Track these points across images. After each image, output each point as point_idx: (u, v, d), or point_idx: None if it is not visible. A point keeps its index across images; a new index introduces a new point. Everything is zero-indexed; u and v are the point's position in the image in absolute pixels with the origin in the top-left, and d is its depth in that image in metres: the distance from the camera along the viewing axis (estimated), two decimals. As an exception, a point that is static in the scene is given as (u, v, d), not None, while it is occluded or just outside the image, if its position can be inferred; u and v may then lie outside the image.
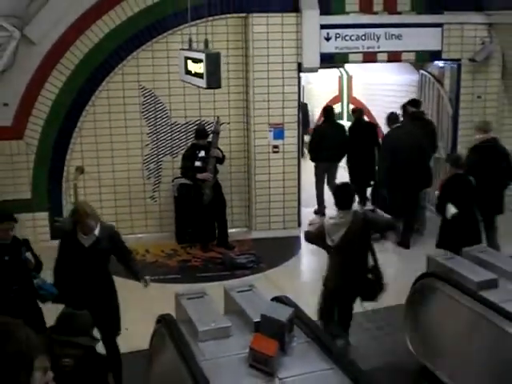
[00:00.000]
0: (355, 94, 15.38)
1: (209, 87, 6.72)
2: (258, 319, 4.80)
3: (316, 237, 6.71)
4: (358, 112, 12.13)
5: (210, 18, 9.91)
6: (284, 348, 4.59)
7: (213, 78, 6.43)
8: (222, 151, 10.03)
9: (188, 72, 7.31)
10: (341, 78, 15.64)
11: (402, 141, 9.77)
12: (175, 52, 9.46)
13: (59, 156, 10.13)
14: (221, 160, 10.03)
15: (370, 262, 6.54)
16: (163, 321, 5.16)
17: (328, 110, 12.18)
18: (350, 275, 6.47)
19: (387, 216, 6.90)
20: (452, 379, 5.78)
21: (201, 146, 9.91)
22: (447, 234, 8.00)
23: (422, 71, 11.96)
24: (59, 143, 10.09)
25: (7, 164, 9.97)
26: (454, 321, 5.76)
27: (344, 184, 7.06)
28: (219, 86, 6.95)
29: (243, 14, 10.16)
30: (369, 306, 8.07)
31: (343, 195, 6.57)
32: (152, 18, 9.96)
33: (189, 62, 7.28)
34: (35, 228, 10.29)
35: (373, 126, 11.93)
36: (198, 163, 9.93)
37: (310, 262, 9.96)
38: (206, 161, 9.88)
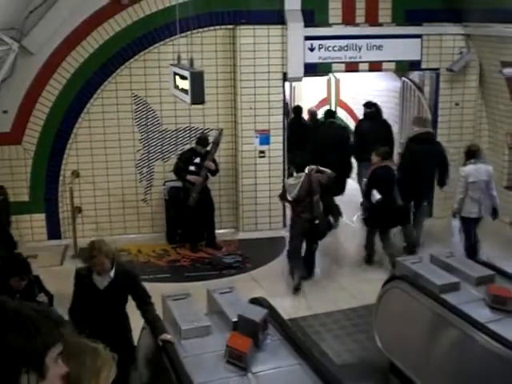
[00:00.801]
0: (342, 96, 15.90)
1: (193, 103, 7.23)
2: (236, 319, 5.34)
3: (282, 195, 9.35)
4: (297, 108, 13.96)
5: (200, 30, 10.45)
6: (258, 345, 5.13)
7: (196, 95, 6.92)
8: (216, 164, 10.52)
9: (176, 87, 7.80)
10: (329, 81, 16.14)
11: (324, 136, 11.66)
12: (166, 62, 9.92)
13: (55, 161, 10.60)
14: (213, 172, 10.52)
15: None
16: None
17: (295, 108, 13.81)
18: (305, 220, 8.91)
19: (328, 171, 9.01)
20: (416, 375, 6.29)
21: (198, 153, 10.39)
22: (371, 215, 9.74)
23: (404, 78, 12.46)
24: (56, 148, 10.56)
25: (6, 168, 10.45)
26: (417, 321, 6.27)
27: (300, 154, 9.61)
28: (203, 102, 7.46)
29: (231, 26, 10.63)
30: (346, 304, 8.68)
31: (301, 162, 9.05)
32: (144, 29, 10.41)
33: (177, 77, 7.76)
34: (32, 228, 10.81)
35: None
36: (191, 167, 10.40)
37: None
38: (199, 167, 10.37)
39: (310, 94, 17.42)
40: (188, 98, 7.11)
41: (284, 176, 11.22)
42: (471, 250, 9.33)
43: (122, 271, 5.76)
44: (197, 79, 6.89)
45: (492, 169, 9.53)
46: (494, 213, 9.47)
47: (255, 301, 5.88)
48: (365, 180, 9.78)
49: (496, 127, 11.59)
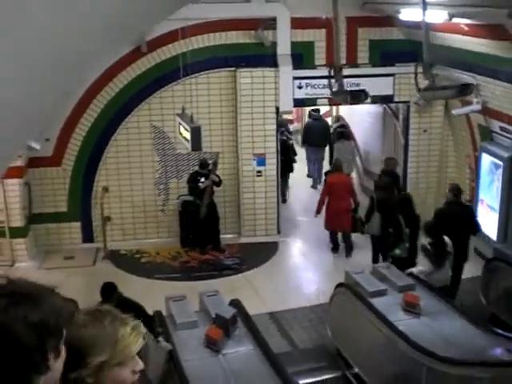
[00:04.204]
0: (341, 112, 18.06)
1: (193, 150, 9.48)
2: (214, 316, 7.60)
3: None
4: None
5: (207, 72, 12.67)
6: (229, 335, 7.38)
7: (195, 145, 9.07)
8: (219, 177, 12.73)
9: (180, 134, 9.96)
10: (330, 99, 18.33)
11: None
12: (179, 98, 12.17)
13: (89, 179, 12.97)
14: (218, 183, 12.76)
15: None
16: (156, 315, 7.97)
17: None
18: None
19: None
20: (352, 360, 8.46)
21: (202, 174, 12.66)
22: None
23: (384, 105, 14.53)
24: (89, 169, 12.93)
25: (49, 185, 12.85)
26: (353, 319, 8.46)
27: None
28: (200, 150, 9.70)
29: (233, 69, 12.81)
30: (316, 301, 10.85)
31: None
32: (160, 72, 12.61)
33: (181, 127, 9.91)
34: (70, 234, 13.20)
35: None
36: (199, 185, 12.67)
37: (282, 264, 12.69)
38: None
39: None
40: (189, 146, 9.30)
41: (278, 191, 13.48)
42: None
43: None
44: (195, 133, 9.02)
45: (352, 144, 16.07)
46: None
47: (232, 302, 8.12)
48: None
49: (459, 150, 13.60)
